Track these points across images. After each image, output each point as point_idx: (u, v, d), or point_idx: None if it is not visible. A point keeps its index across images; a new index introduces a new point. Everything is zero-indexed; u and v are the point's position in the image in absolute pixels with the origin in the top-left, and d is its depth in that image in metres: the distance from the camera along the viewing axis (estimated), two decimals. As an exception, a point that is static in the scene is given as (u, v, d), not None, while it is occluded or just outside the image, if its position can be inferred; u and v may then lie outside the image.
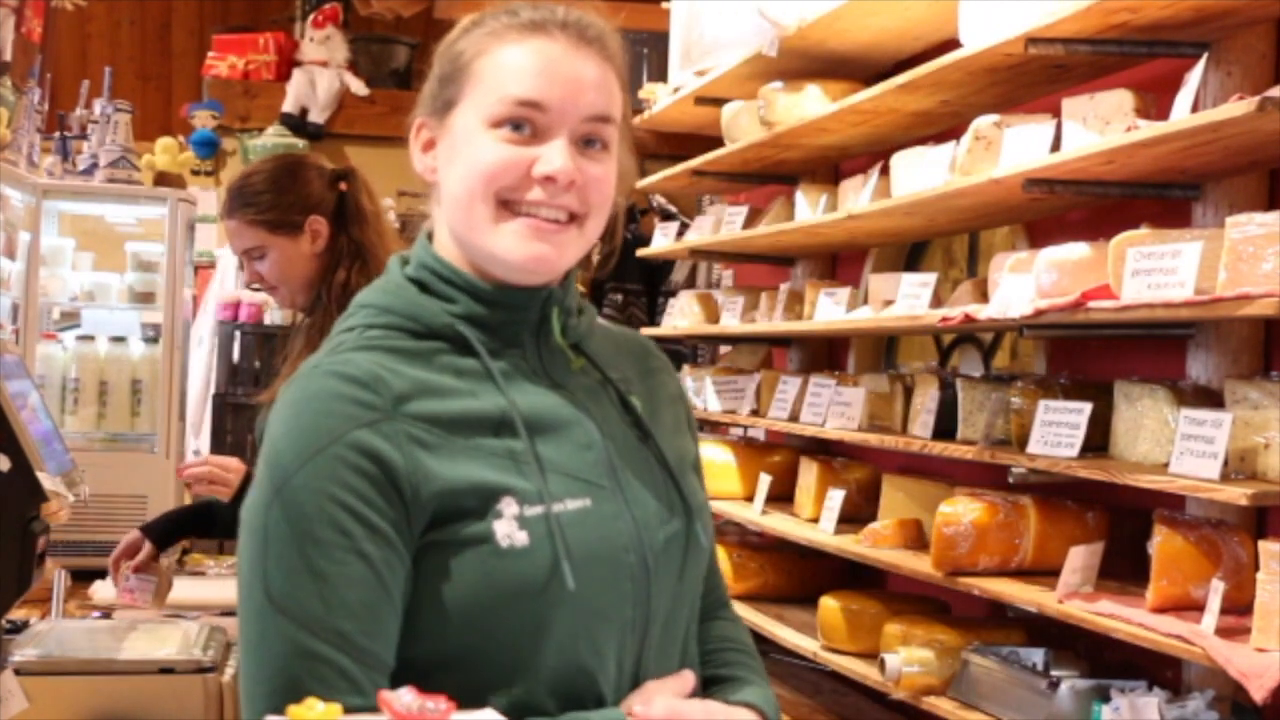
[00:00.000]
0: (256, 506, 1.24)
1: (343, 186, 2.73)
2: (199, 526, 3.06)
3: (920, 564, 2.82)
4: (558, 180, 1.29)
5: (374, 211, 2.73)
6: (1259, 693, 1.96)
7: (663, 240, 4.50)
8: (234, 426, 6.17)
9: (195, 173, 7.31)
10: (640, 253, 4.75)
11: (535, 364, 1.36)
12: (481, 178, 1.31)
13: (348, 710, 1.17)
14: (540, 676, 1.25)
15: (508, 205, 1.31)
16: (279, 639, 1.20)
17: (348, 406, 1.24)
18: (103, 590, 3.75)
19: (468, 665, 1.25)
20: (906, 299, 2.97)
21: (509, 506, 1.25)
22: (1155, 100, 2.48)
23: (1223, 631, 2.10)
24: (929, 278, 2.96)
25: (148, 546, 2.97)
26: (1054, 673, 2.53)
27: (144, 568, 2.95)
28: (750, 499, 3.72)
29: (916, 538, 3.08)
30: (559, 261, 1.33)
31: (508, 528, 1.24)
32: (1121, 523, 2.65)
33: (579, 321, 1.41)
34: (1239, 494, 2.03)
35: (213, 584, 3.92)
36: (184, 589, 3.77)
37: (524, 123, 1.30)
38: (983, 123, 2.76)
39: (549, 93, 1.30)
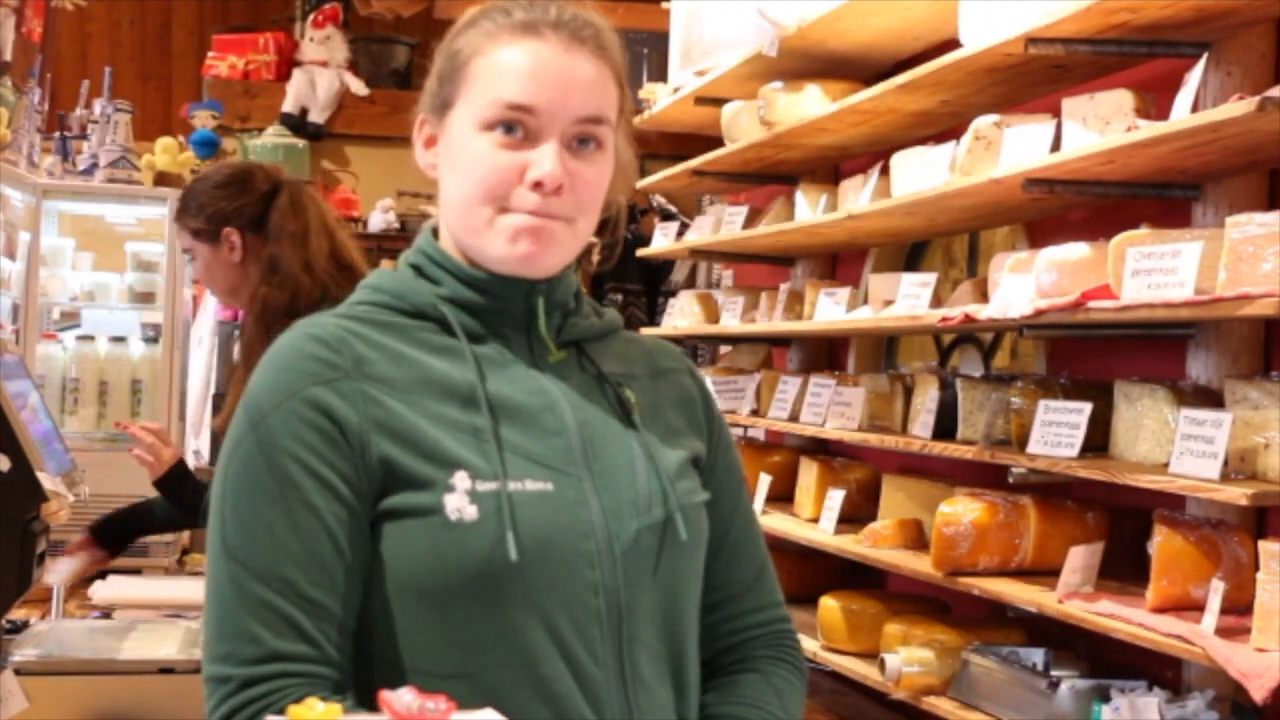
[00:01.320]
0: (223, 455, 1.29)
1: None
2: (142, 526, 3.26)
3: (920, 564, 2.82)
4: (546, 185, 1.31)
5: (296, 230, 2.75)
6: (1259, 693, 1.96)
7: (663, 240, 4.50)
8: (234, 426, 6.14)
9: (195, 173, 7.29)
10: (640, 253, 4.75)
11: (522, 353, 1.37)
12: (476, 183, 1.33)
13: (303, 661, 1.20)
14: (499, 660, 1.25)
15: (502, 207, 1.33)
16: (229, 584, 1.23)
17: (309, 364, 1.28)
18: (103, 590, 3.75)
19: (426, 644, 1.26)
20: (906, 299, 2.97)
21: (462, 481, 1.26)
22: (1155, 100, 2.48)
23: (1223, 631, 2.10)
24: (929, 278, 2.96)
25: (97, 553, 3.18)
26: (1054, 673, 2.53)
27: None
28: (750, 499, 3.71)
29: (916, 538, 3.08)
30: (550, 259, 1.34)
31: (458, 501, 1.25)
32: (1121, 523, 2.65)
33: (582, 321, 1.42)
34: (1239, 494, 2.04)
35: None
36: (184, 589, 3.77)
37: (515, 125, 1.32)
38: (983, 123, 2.76)
39: (539, 96, 1.31)
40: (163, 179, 5.24)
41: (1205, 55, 2.39)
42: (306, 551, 1.23)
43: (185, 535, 4.76)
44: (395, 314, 1.36)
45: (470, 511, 1.25)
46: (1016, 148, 2.61)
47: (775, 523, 3.47)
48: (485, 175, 1.32)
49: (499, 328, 1.37)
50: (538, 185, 1.30)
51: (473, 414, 1.30)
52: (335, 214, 2.95)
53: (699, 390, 1.51)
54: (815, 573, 3.72)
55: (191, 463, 4.81)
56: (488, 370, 1.33)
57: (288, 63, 7.48)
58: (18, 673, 2.68)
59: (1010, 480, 2.62)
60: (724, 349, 4.84)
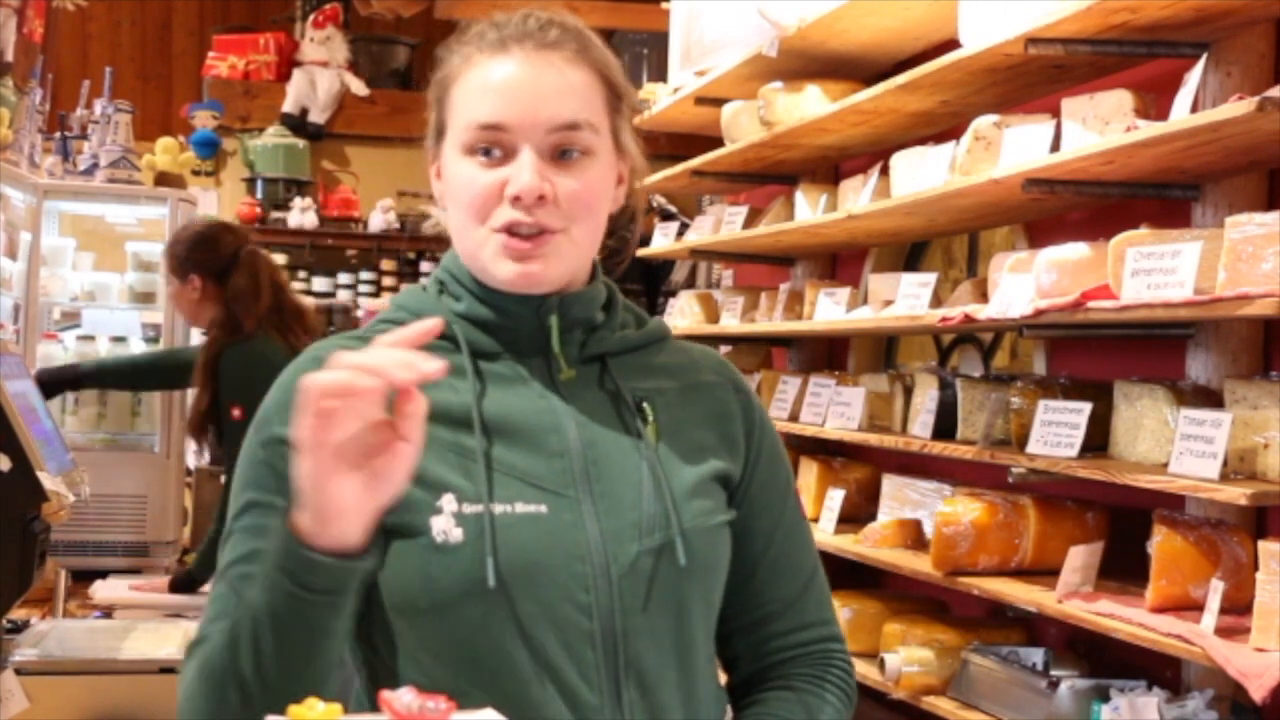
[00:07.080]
0: (238, 462, 1.35)
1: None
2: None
3: (920, 564, 2.83)
4: (524, 197, 1.30)
5: (250, 289, 3.68)
6: (1258, 693, 1.96)
7: (663, 240, 4.50)
8: (234, 426, 6.13)
9: (195, 173, 7.31)
10: (640, 253, 4.75)
11: (538, 370, 1.35)
12: (466, 206, 1.33)
13: None
14: (487, 681, 1.25)
15: (491, 227, 1.33)
16: (227, 587, 1.28)
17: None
18: (103, 590, 3.75)
19: (423, 661, 1.27)
20: (906, 299, 2.97)
21: (449, 503, 1.26)
22: (1155, 100, 2.48)
23: (1222, 631, 2.10)
24: (929, 278, 2.96)
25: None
26: (1054, 673, 2.54)
27: None
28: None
29: (916, 538, 3.08)
30: (546, 275, 1.33)
31: (445, 524, 1.26)
32: (1121, 523, 2.65)
33: (610, 335, 1.40)
34: (1238, 494, 2.04)
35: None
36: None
37: (492, 146, 1.32)
38: (983, 123, 2.76)
39: (507, 112, 1.31)
40: (163, 179, 5.24)
41: (1205, 55, 2.39)
42: None
43: (185, 535, 4.76)
44: None
45: (456, 534, 1.25)
46: (1016, 148, 2.61)
47: (775, 523, 3.47)
48: (472, 198, 1.32)
49: (514, 344, 1.36)
50: (516, 199, 1.30)
51: (464, 435, 1.30)
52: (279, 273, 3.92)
53: (741, 403, 1.46)
54: (815, 573, 3.72)
55: (191, 463, 4.82)
56: (495, 388, 1.33)
57: (288, 63, 7.49)
58: (18, 673, 2.68)
59: (1010, 480, 2.62)
60: (724, 349, 4.84)
